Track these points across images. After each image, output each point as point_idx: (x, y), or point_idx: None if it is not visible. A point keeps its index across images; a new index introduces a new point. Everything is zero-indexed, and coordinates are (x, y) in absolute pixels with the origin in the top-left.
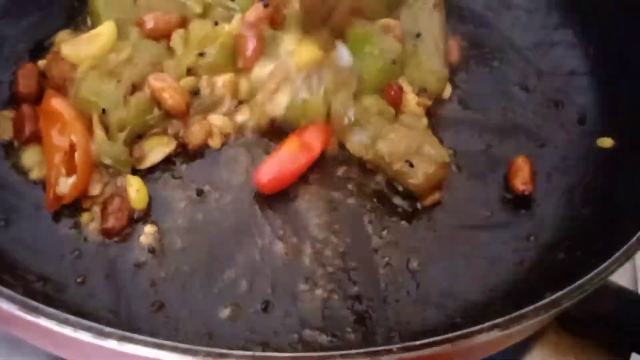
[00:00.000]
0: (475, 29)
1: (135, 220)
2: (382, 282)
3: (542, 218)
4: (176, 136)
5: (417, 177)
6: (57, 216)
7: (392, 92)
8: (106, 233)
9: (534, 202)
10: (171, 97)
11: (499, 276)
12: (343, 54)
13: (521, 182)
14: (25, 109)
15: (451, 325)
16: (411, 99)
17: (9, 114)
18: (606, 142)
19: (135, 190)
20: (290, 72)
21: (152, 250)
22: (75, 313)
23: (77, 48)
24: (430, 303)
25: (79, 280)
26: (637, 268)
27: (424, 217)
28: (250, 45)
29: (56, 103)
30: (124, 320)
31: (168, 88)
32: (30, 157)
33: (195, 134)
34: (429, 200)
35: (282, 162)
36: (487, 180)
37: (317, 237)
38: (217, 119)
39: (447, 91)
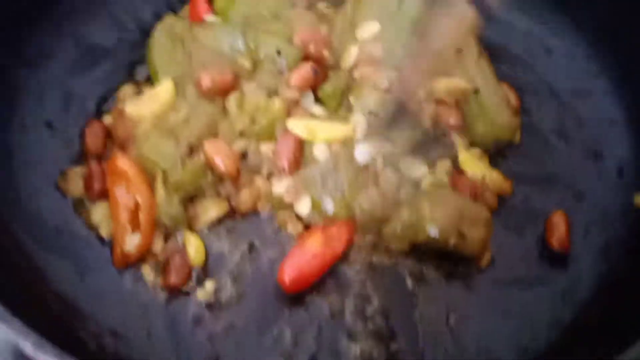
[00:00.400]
0: (514, 73)
1: (194, 275)
2: (421, 339)
3: (578, 275)
4: (228, 198)
5: (473, 246)
6: (122, 270)
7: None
8: (169, 289)
9: (571, 259)
10: (224, 164)
11: (533, 336)
12: (361, 151)
13: (557, 240)
14: (94, 167)
15: None
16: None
17: (79, 170)
18: None
19: (194, 248)
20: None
21: (209, 305)
22: None
23: (139, 106)
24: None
25: (143, 334)
26: None
27: (461, 272)
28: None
29: (121, 162)
30: None
31: (221, 154)
32: (99, 213)
33: (244, 199)
34: (484, 261)
35: (304, 262)
36: (525, 233)
37: (358, 294)
38: (262, 182)
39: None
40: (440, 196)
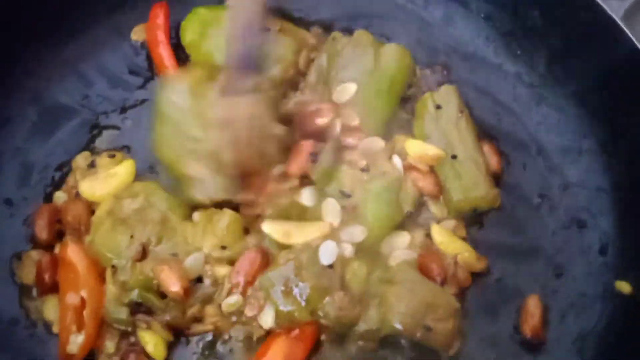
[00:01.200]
0: (500, 125)
1: None
2: None
3: None
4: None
5: (440, 338)
6: None
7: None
8: None
9: (544, 348)
10: (172, 284)
11: None
12: (326, 251)
13: (531, 329)
14: (44, 259)
15: None
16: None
17: (36, 255)
18: (624, 287)
19: (152, 345)
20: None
21: None
22: None
23: (93, 186)
24: None
25: None
26: None
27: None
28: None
29: (71, 252)
30: None
31: (171, 275)
32: (51, 309)
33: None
34: (453, 351)
35: None
36: (499, 314)
37: None
38: (212, 311)
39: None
40: (407, 285)
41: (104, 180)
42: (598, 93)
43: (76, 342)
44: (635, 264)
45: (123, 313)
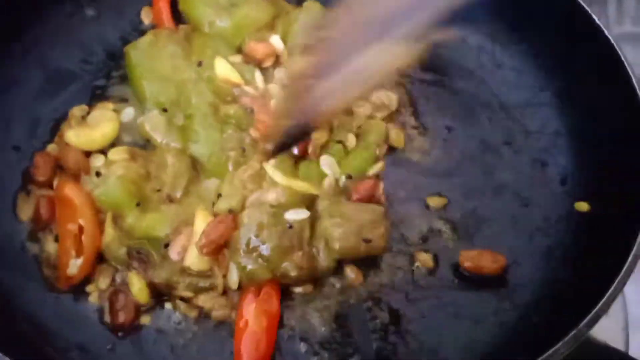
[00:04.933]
0: (468, 87)
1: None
2: (374, 342)
3: (522, 279)
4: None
5: (378, 244)
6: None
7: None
8: (118, 328)
9: (516, 264)
10: (178, 254)
11: (480, 338)
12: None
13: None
14: (41, 195)
15: None
16: None
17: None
18: (583, 206)
19: (138, 288)
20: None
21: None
22: None
23: (78, 134)
24: None
25: (108, 347)
26: (629, 328)
27: (416, 277)
28: None
29: (68, 190)
30: None
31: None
32: (52, 243)
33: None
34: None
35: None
36: (473, 239)
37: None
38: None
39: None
40: (338, 216)
41: (89, 128)
42: (552, 52)
43: (75, 264)
44: (591, 189)
45: (122, 251)
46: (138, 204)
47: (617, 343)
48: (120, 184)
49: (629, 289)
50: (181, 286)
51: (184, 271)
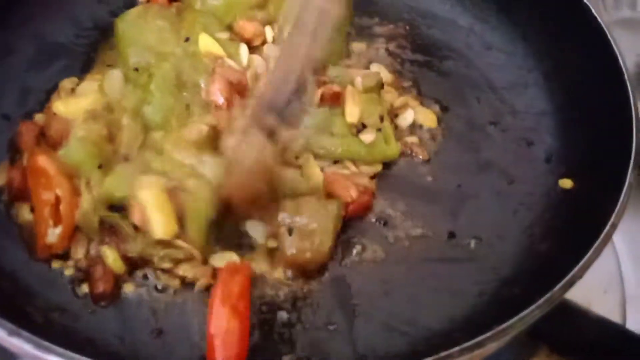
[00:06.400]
0: (457, 68)
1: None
2: (355, 310)
3: (503, 252)
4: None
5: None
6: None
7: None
8: (98, 298)
9: (499, 238)
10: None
11: (460, 307)
12: None
13: None
14: (14, 167)
15: (412, 352)
16: None
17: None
18: (567, 183)
19: (112, 260)
20: None
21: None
22: (88, 340)
23: (65, 104)
24: (395, 330)
25: (89, 311)
26: (626, 304)
27: (398, 248)
28: None
29: (41, 160)
30: (127, 346)
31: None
32: (26, 212)
33: None
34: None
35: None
36: (458, 215)
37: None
38: None
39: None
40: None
41: (75, 99)
42: (541, 34)
43: (54, 233)
44: (575, 166)
45: (95, 222)
46: (100, 166)
47: (614, 319)
48: (82, 145)
49: (626, 267)
50: (157, 259)
51: (158, 243)
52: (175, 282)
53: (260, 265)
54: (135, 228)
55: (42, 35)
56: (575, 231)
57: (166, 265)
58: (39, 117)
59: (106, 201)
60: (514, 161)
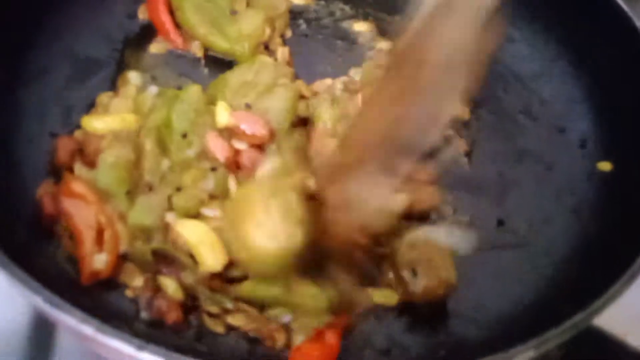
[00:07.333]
0: None
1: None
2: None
3: (554, 236)
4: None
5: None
6: None
7: None
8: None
9: (546, 222)
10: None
11: (523, 290)
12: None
13: None
14: (45, 195)
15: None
16: None
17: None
18: (605, 165)
19: (173, 290)
20: None
21: None
22: None
23: (94, 120)
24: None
25: None
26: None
27: None
28: None
29: (76, 186)
30: None
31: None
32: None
33: None
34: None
35: None
36: (504, 202)
37: None
38: None
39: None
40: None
41: (103, 117)
42: (564, 25)
43: (101, 259)
44: (611, 151)
45: (147, 254)
46: (128, 192)
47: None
48: (112, 171)
49: None
50: (202, 299)
51: (209, 279)
52: (220, 329)
53: None
54: (191, 256)
55: (74, 51)
56: (622, 210)
57: (213, 309)
58: (78, 133)
59: (137, 229)
60: (549, 148)
